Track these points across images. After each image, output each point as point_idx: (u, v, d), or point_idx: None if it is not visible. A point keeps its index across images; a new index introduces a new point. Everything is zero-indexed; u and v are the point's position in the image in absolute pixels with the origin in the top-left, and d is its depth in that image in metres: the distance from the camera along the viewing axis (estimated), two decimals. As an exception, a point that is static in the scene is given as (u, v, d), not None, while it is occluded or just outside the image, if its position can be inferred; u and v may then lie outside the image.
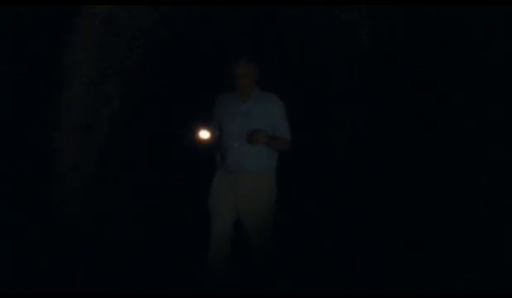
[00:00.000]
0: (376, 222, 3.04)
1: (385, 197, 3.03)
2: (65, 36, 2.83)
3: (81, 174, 3.07)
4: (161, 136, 3.96)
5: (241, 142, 2.62)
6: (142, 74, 3.65)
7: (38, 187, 2.74)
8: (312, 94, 4.33)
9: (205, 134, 2.67)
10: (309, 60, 4.29)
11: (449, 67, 2.44)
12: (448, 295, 2.05)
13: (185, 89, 4.35)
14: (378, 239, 2.93)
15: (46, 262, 2.57)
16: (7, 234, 2.46)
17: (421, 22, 2.65)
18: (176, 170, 4.08)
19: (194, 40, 3.94)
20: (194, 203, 3.17)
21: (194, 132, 2.68)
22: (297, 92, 4.05)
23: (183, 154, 3.87)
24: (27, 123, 2.64)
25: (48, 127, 2.84)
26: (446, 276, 2.22)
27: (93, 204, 3.21)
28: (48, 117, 2.83)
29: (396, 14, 2.85)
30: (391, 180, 3.00)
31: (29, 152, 2.66)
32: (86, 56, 3.04)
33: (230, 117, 2.65)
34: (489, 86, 2.15)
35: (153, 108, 3.94)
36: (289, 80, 4.12)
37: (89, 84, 3.06)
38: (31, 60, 2.57)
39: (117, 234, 3.21)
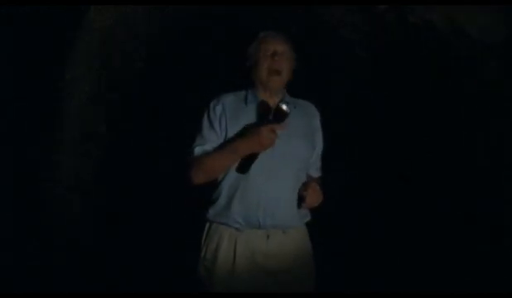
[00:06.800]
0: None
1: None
2: (64, 51, 2.88)
3: (81, 187, 3.08)
4: (161, 150, 3.98)
5: (275, 179, 1.60)
6: (142, 87, 3.69)
7: (37, 200, 2.75)
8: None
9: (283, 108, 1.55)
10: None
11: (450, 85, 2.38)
12: (448, 295, 2.01)
13: (187, 102, 4.37)
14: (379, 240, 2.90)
15: (46, 263, 2.57)
16: (7, 237, 2.47)
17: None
18: (175, 180, 4.06)
19: (195, 53, 3.97)
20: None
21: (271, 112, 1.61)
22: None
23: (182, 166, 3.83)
24: (27, 136, 2.67)
25: (47, 141, 2.87)
26: (448, 276, 2.19)
27: (91, 210, 3.21)
28: (47, 130, 2.86)
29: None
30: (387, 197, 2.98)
31: (28, 165, 2.68)
32: (86, 70, 3.08)
33: None
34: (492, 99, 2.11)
35: (154, 122, 3.97)
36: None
37: (87, 98, 3.09)
38: (31, 72, 2.61)
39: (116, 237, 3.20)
